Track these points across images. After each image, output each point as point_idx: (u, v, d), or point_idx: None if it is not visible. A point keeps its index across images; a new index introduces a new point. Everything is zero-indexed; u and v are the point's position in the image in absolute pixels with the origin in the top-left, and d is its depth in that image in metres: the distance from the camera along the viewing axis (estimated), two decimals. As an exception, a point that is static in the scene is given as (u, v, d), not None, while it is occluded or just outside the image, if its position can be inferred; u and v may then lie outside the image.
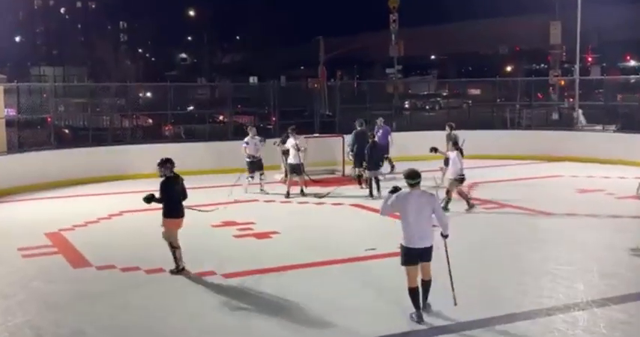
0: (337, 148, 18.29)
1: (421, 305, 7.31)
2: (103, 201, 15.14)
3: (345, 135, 17.96)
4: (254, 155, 15.58)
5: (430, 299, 7.50)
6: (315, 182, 16.40)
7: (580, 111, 23.56)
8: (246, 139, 15.77)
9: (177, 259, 9.24)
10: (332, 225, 12.39)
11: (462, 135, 19.09)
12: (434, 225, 7.39)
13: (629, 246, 10.26)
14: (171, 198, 9.23)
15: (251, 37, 62.99)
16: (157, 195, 9.29)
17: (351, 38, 57.77)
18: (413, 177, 7.29)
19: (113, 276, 9.28)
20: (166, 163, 9.29)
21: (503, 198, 14.34)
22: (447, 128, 17.00)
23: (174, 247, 9.23)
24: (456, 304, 7.39)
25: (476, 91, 36.59)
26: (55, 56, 60.97)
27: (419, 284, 7.30)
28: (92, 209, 13.97)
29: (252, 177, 15.55)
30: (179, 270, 9.23)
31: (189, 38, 70.49)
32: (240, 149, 15.76)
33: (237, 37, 70.48)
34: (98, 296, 8.49)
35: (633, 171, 17.67)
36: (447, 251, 7.44)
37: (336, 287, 8.71)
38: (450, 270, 7.47)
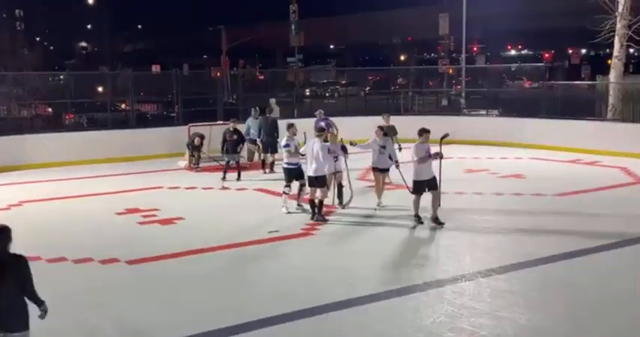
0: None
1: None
2: (0, 191, 14.31)
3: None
4: (291, 162, 11.77)
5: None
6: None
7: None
8: (286, 140, 11.79)
9: None
10: (236, 209, 12.28)
11: (360, 121, 19.57)
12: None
13: (515, 225, 10.80)
14: None
15: (153, 26, 61.15)
16: None
17: (252, 28, 57.20)
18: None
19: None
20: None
21: (392, 178, 14.44)
22: (383, 117, 15.13)
23: None
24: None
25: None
26: (-54, 45, 56.87)
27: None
28: (-11, 200, 13.20)
29: (289, 188, 11.80)
30: None
31: (89, 26, 67.49)
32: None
33: (139, 26, 68.29)
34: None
35: (514, 151, 18.97)
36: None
37: (238, 270, 8.68)
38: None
